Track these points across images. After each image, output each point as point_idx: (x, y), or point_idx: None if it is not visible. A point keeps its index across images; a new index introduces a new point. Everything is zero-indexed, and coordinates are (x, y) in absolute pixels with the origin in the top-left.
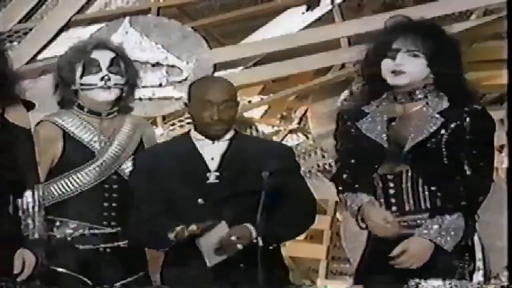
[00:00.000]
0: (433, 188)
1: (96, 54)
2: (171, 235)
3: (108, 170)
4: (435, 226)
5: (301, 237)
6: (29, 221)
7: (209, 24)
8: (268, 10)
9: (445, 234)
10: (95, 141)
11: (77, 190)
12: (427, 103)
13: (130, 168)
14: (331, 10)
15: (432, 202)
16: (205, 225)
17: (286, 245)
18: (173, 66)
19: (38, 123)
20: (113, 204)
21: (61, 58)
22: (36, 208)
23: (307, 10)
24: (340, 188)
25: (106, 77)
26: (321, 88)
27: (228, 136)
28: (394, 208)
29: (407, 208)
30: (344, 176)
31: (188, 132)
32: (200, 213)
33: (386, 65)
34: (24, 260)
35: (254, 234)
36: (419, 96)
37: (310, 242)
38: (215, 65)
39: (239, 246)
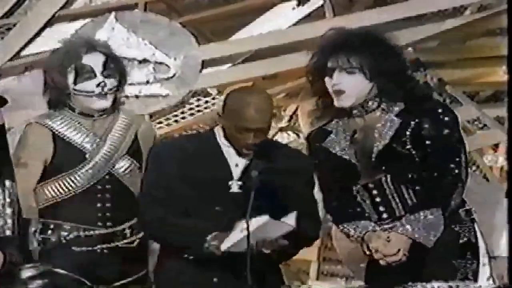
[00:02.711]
0: (416, 187)
1: (87, 59)
2: (212, 243)
3: (101, 171)
4: (413, 222)
5: None
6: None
7: (197, 20)
8: (257, 6)
9: (422, 230)
10: (86, 142)
11: (70, 193)
12: (383, 109)
13: (124, 167)
14: (322, 5)
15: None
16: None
17: None
18: (160, 63)
19: (27, 125)
20: (107, 205)
21: (50, 60)
22: (7, 205)
23: (298, 5)
24: (336, 219)
25: (102, 84)
26: None
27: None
28: (385, 215)
29: (397, 213)
30: (334, 204)
31: (212, 129)
32: (217, 220)
33: (328, 84)
34: None
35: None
36: (373, 106)
37: None
38: (203, 62)
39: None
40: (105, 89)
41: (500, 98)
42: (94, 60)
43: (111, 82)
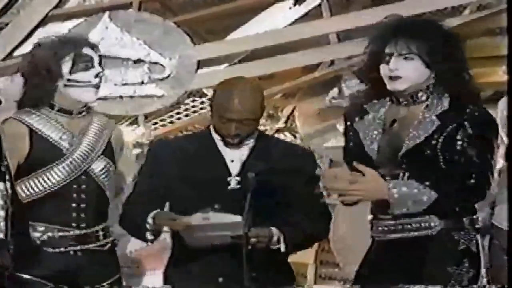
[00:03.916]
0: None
1: (86, 50)
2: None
3: (77, 170)
4: (404, 189)
5: None
6: None
7: (192, 20)
8: (254, 5)
9: (404, 200)
10: (64, 139)
11: (46, 191)
12: (427, 105)
13: (100, 168)
14: (319, 5)
15: (429, 206)
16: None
17: None
18: (155, 63)
19: (4, 121)
20: (82, 205)
21: (42, 51)
22: (0, 208)
23: (295, 4)
24: None
25: (101, 74)
26: (309, 86)
27: (251, 141)
28: (388, 211)
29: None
30: None
31: (208, 127)
32: None
33: (383, 70)
34: None
35: (275, 237)
36: (422, 98)
37: None
38: (199, 62)
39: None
40: (100, 81)
41: (499, 98)
42: (93, 53)
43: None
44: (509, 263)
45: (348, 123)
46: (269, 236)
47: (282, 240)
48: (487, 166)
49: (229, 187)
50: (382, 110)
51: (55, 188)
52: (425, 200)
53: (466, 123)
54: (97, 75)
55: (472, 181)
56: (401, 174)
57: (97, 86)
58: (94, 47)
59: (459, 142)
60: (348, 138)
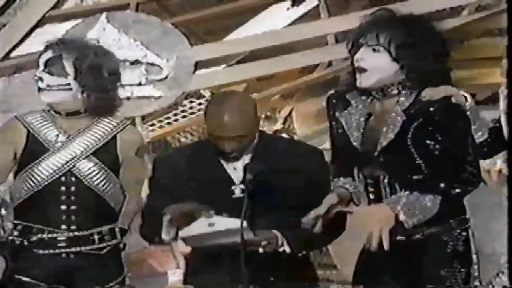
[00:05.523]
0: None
1: (42, 56)
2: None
3: (61, 168)
4: (404, 199)
5: None
6: None
7: (190, 20)
8: (252, 6)
9: (410, 209)
10: (53, 138)
11: (33, 189)
12: (397, 101)
13: (88, 167)
14: (317, 6)
15: None
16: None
17: None
18: (152, 64)
19: (10, 120)
20: (72, 207)
21: None
22: (3, 210)
23: (292, 5)
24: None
25: (35, 77)
26: (307, 87)
27: (250, 152)
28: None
29: None
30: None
31: None
32: None
33: (354, 62)
34: None
35: (280, 240)
36: (393, 92)
37: None
38: (196, 63)
39: (260, 250)
40: (40, 84)
41: (498, 100)
42: (43, 57)
43: (51, 79)
44: (509, 263)
45: (331, 113)
46: (276, 238)
47: (285, 242)
48: (466, 152)
49: (233, 196)
50: (362, 101)
51: (40, 187)
52: (431, 205)
53: (435, 116)
54: (36, 80)
55: (458, 172)
56: (381, 177)
57: (42, 89)
58: (53, 47)
59: (430, 135)
60: (332, 128)
